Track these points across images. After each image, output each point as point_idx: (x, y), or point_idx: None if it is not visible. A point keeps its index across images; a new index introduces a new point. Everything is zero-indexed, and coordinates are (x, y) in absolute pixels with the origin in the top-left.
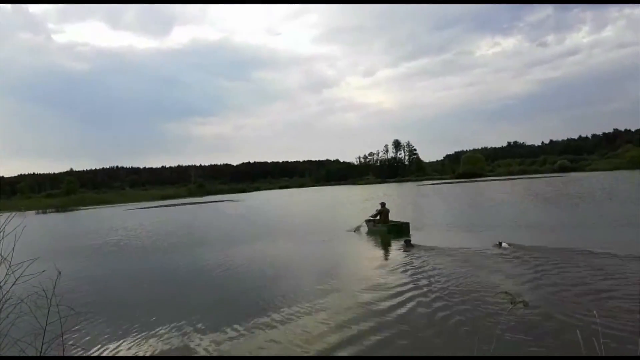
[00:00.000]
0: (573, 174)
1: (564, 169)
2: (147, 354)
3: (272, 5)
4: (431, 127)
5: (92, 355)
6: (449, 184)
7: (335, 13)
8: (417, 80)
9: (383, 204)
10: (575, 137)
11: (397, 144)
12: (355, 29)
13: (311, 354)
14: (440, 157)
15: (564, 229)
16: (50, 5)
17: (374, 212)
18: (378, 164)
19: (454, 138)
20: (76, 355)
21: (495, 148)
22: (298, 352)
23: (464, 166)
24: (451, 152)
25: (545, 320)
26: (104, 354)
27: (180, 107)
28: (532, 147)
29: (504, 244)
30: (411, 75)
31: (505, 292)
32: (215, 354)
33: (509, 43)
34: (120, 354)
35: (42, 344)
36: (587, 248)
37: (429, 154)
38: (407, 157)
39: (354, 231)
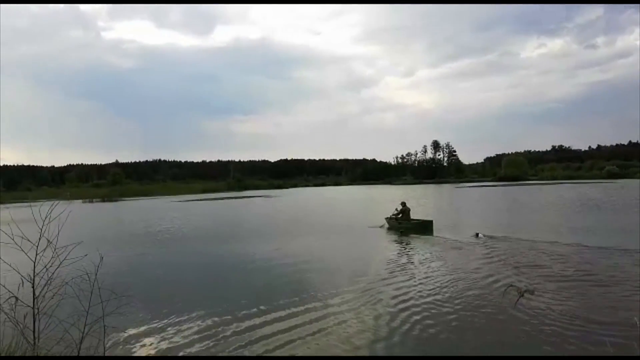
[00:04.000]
0: (621, 181)
1: (612, 176)
2: (183, 340)
3: (313, 5)
4: (472, 129)
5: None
6: (490, 187)
7: (377, 13)
8: (458, 81)
9: (404, 203)
10: (625, 142)
11: (436, 145)
12: (396, 29)
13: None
14: (480, 160)
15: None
16: (101, 4)
17: (394, 211)
18: (416, 165)
19: (495, 140)
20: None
21: (539, 152)
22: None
23: (506, 169)
24: (492, 154)
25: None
26: (143, 338)
27: (221, 104)
28: (578, 152)
29: (480, 235)
30: (452, 76)
31: (511, 285)
32: (245, 341)
33: (555, 44)
34: (158, 339)
35: (85, 325)
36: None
37: (469, 155)
38: (446, 159)
39: (381, 227)
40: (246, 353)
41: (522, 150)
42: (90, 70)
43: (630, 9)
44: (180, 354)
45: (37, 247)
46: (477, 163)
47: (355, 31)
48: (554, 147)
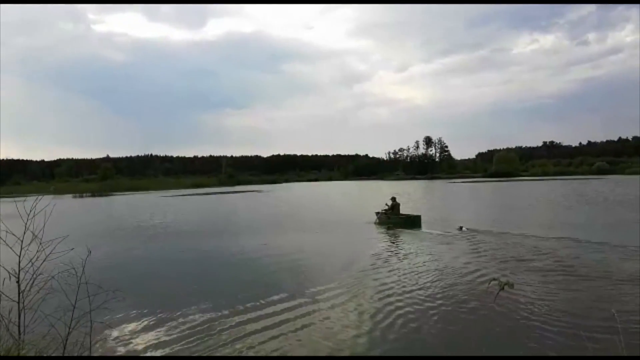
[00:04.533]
0: (611, 177)
1: (601, 172)
2: (169, 335)
3: (305, 5)
4: (464, 125)
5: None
6: (480, 183)
7: (371, 8)
8: (451, 77)
9: (394, 199)
10: (615, 139)
11: (428, 141)
12: (390, 24)
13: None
14: (472, 155)
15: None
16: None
17: (384, 206)
18: (408, 160)
19: (487, 136)
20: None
21: (530, 147)
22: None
23: (497, 165)
24: (484, 150)
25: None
26: (130, 333)
27: (214, 99)
28: (568, 148)
29: (464, 228)
30: (445, 72)
31: (494, 278)
32: (230, 337)
33: (547, 40)
34: (146, 333)
35: (72, 320)
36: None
37: (461, 151)
38: (438, 154)
39: (375, 223)
40: (231, 348)
41: (514, 146)
42: (80, 64)
43: (621, 5)
44: (167, 349)
45: (22, 241)
46: (469, 159)
47: (349, 26)
48: (545, 143)
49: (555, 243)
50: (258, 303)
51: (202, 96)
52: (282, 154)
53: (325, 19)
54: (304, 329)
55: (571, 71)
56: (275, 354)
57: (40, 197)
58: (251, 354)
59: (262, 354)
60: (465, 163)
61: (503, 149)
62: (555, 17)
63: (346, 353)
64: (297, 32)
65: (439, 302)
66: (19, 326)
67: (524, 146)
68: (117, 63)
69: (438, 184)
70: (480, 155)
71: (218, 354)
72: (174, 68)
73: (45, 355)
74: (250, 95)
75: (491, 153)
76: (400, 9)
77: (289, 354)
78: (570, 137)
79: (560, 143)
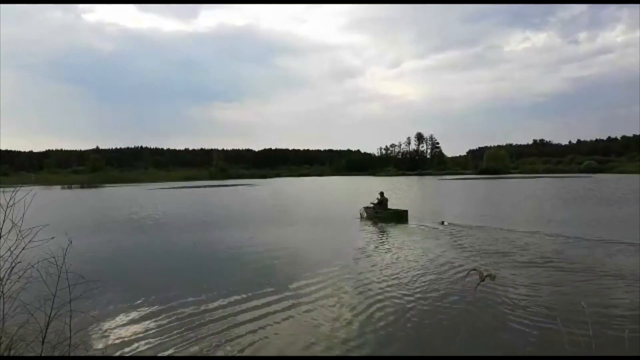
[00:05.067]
0: (599, 175)
1: (590, 170)
2: (148, 326)
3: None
4: (455, 122)
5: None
6: (470, 180)
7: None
8: (443, 73)
9: (382, 193)
10: (604, 138)
11: (419, 137)
12: (383, 19)
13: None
14: (463, 152)
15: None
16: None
17: (374, 200)
18: (399, 156)
19: (478, 133)
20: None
21: (520, 145)
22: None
23: (487, 162)
24: (475, 147)
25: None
26: (110, 323)
27: (205, 91)
28: (558, 146)
29: (445, 223)
30: (438, 68)
31: (474, 269)
32: (212, 329)
33: (539, 39)
34: (125, 323)
35: (52, 309)
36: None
37: (452, 148)
38: (429, 151)
39: (360, 218)
40: (208, 342)
41: (505, 144)
42: (70, 53)
43: (612, 5)
44: (145, 338)
45: (0, 229)
46: (460, 156)
47: (342, 20)
48: (535, 140)
49: (540, 238)
50: (240, 297)
51: (193, 88)
52: (273, 147)
53: (318, 13)
54: (284, 322)
55: (563, 70)
56: (252, 347)
57: (18, 187)
58: (228, 346)
59: (239, 347)
60: (456, 160)
61: (494, 146)
62: (548, 15)
63: (324, 346)
64: (289, 26)
65: (418, 295)
66: None
67: (514, 144)
68: (108, 53)
69: (428, 180)
70: (471, 152)
71: (196, 347)
72: (165, 59)
73: (25, 341)
74: (242, 89)
75: (482, 150)
76: (394, 4)
77: (267, 348)
78: (561, 135)
79: (550, 141)
